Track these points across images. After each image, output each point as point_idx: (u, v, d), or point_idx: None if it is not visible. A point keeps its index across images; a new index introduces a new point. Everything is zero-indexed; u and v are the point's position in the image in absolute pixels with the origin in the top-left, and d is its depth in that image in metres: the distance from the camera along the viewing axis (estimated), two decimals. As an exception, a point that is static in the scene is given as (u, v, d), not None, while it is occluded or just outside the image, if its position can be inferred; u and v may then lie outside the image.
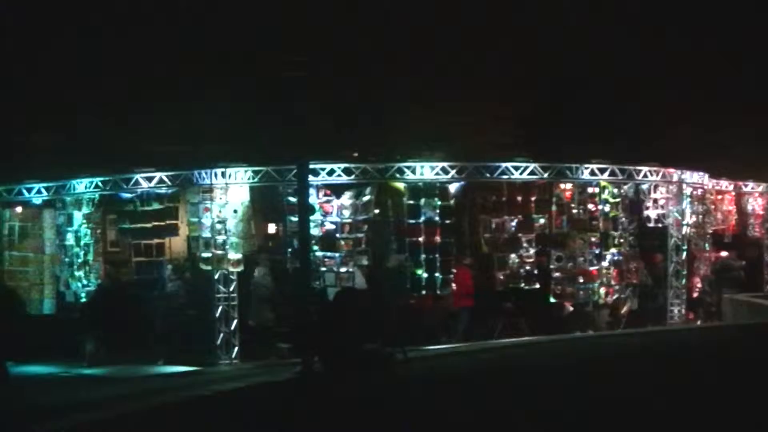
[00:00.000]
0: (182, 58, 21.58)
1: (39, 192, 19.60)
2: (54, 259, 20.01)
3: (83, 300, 19.16)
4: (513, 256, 19.12)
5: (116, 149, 21.72)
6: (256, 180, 18.06)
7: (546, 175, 18.78)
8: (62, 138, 22.74)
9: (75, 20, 22.41)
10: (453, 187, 18.52)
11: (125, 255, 19.77)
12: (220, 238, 18.01)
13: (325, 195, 18.14)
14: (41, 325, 19.44)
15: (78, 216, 19.27)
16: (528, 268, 19.16)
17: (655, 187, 19.86)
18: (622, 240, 19.75)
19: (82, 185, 19.13)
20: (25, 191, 19.68)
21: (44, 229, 20.18)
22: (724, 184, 22.75)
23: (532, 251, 19.22)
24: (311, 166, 17.08)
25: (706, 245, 21.57)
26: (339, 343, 16.20)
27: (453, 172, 18.27)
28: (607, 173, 19.20)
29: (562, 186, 19.34)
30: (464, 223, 19.98)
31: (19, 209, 20.29)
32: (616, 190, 19.60)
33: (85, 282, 19.19)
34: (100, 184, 18.93)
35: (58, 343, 18.91)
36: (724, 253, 22.94)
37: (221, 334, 18.14)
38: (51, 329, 19.23)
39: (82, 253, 19.24)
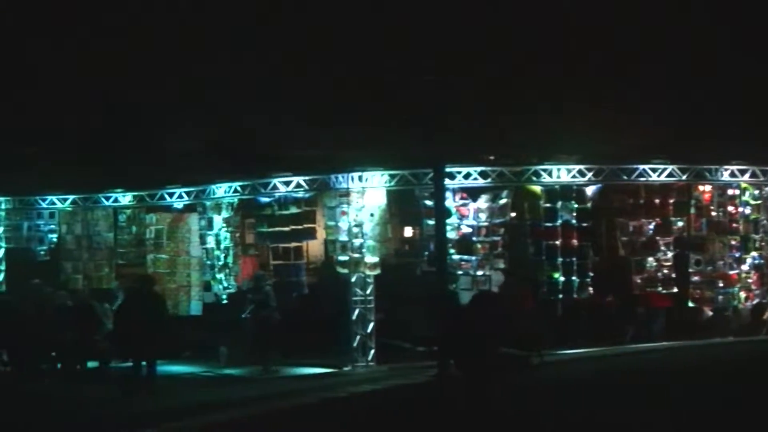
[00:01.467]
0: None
1: (180, 197, 21.46)
2: (199, 261, 21.75)
3: (224, 302, 20.88)
4: (650, 259, 19.86)
5: (255, 154, 23.37)
6: (392, 184, 19.25)
7: (684, 177, 19.38)
8: (203, 143, 24.58)
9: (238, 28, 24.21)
10: (590, 190, 19.33)
11: (264, 258, 21.39)
12: (357, 242, 19.21)
13: (462, 198, 19.16)
14: (187, 325, 21.34)
15: (218, 220, 20.98)
16: (665, 271, 19.87)
17: (800, 188, 20.19)
18: (763, 243, 20.16)
19: (221, 190, 20.79)
20: (167, 196, 21.61)
21: (191, 232, 21.89)
22: None
23: (669, 254, 19.91)
24: (447, 170, 18.07)
25: None
26: (475, 346, 17.29)
27: (590, 174, 19.03)
28: (747, 174, 19.67)
29: (701, 188, 19.89)
30: (601, 226, 20.70)
31: (162, 213, 22.18)
32: (757, 192, 20.04)
33: (225, 284, 20.89)
34: (239, 188, 20.52)
35: (202, 343, 20.67)
36: None
37: (357, 337, 19.31)
38: (196, 330, 21.02)
39: (222, 256, 20.95)
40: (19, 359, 19.84)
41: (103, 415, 15.77)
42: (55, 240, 23.04)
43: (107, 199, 22.36)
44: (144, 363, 17.71)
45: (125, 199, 22.27)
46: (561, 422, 12.89)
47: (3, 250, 23.05)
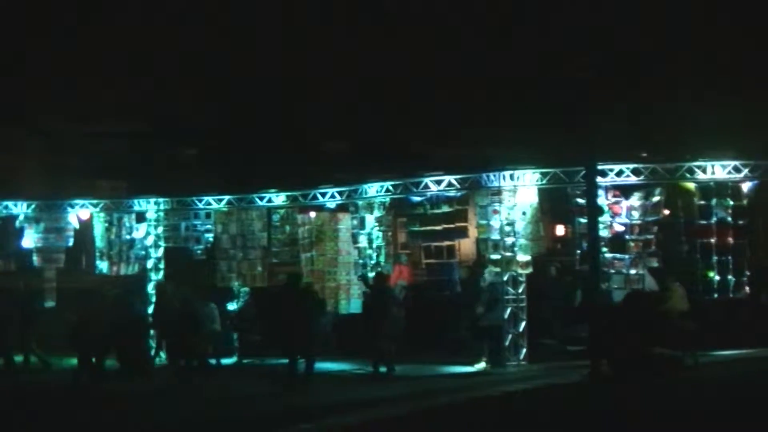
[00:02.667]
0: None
1: (333, 196, 22.86)
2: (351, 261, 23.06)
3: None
4: (811, 258, 20.14)
5: (406, 153, 24.67)
6: (544, 182, 20.14)
7: None
8: (355, 143, 26.07)
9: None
10: (746, 186, 19.64)
11: (416, 257, 22.66)
12: (509, 240, 20.21)
13: (614, 196, 19.86)
14: (347, 323, 22.86)
15: (370, 219, 22.39)
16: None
17: None
18: None
19: (373, 189, 22.10)
20: (319, 196, 23.07)
21: (343, 232, 23.20)
22: None
23: (834, 252, 20.12)
24: (599, 167, 18.86)
25: None
26: (628, 346, 17.96)
27: (746, 171, 19.38)
28: None
29: None
30: (758, 224, 20.87)
31: (313, 213, 23.69)
32: None
33: None
34: (390, 187, 21.78)
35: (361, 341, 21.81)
36: None
37: (509, 336, 20.31)
38: (355, 328, 22.36)
39: (374, 255, 22.34)
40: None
41: (261, 410, 17.18)
42: (211, 239, 24.80)
43: (261, 199, 23.94)
44: (301, 360, 19.34)
45: (279, 199, 23.82)
46: (713, 424, 13.26)
47: (162, 249, 25.00)
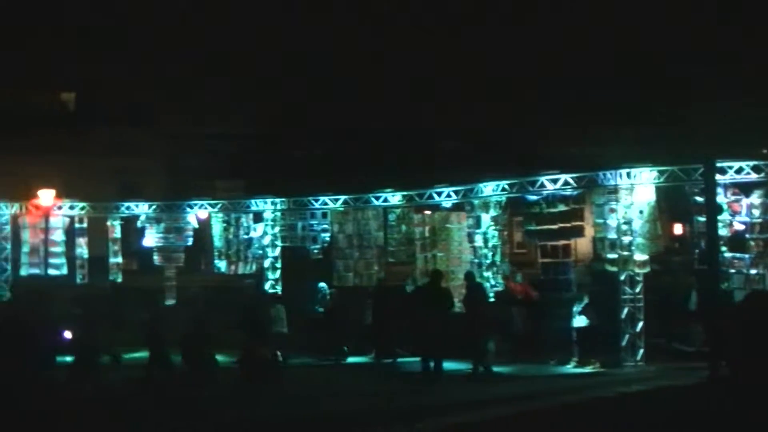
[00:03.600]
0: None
1: (448, 196, 23.73)
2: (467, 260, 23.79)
3: (492, 300, 22.93)
4: None
5: (522, 152, 25.34)
6: (661, 180, 20.49)
7: None
8: (470, 142, 26.88)
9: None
10: None
11: (531, 256, 23.33)
12: (626, 239, 20.63)
13: (734, 194, 19.93)
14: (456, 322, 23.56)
15: (485, 218, 23.09)
16: None
17: None
18: None
19: (489, 188, 22.87)
20: (435, 195, 23.96)
21: (459, 231, 24.04)
22: None
23: None
24: (718, 165, 19.03)
25: None
26: (750, 347, 18.13)
27: None
28: None
29: None
30: None
31: (429, 213, 24.63)
32: None
33: (492, 282, 22.89)
34: (506, 187, 22.53)
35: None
36: None
37: (626, 336, 20.72)
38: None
39: (490, 254, 23.04)
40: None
41: (374, 408, 17.80)
42: (327, 239, 26.02)
43: (377, 198, 25.02)
44: (432, 359, 20.31)
45: (394, 198, 24.85)
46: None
47: (279, 248, 26.27)
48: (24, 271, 26.65)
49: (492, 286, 22.96)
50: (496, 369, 21.35)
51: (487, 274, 23.02)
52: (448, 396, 18.85)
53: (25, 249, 26.68)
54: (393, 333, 23.72)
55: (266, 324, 22.72)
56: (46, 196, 26.95)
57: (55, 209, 26.74)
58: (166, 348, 21.16)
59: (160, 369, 20.97)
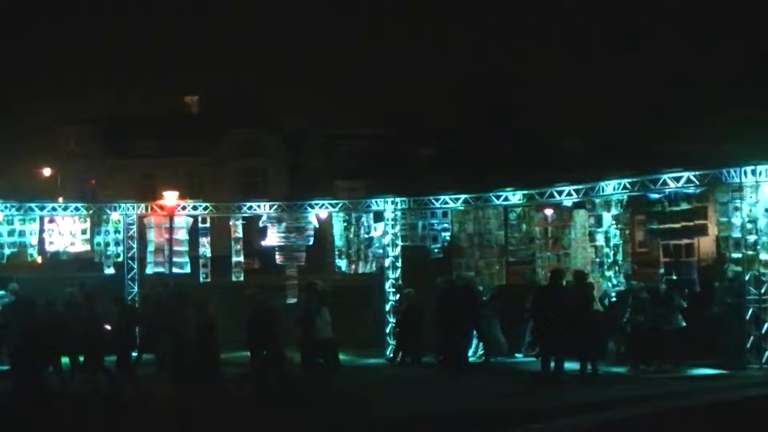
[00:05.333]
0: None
1: (569, 194, 24.35)
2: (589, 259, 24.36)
3: (614, 300, 23.50)
4: None
5: (645, 150, 25.79)
6: None
7: None
8: (592, 141, 27.50)
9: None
10: None
11: (653, 255, 23.78)
12: (751, 238, 20.93)
13: None
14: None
15: (607, 217, 23.63)
16: None
17: None
18: None
19: (610, 187, 23.40)
20: (556, 194, 24.62)
21: (580, 230, 24.64)
22: None
23: None
24: None
25: None
26: None
27: None
28: None
29: None
30: None
31: (550, 211, 25.30)
32: None
33: (614, 282, 23.41)
34: (628, 185, 23.01)
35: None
36: None
37: (751, 338, 20.96)
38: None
39: (611, 254, 23.55)
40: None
41: (493, 408, 18.73)
42: (448, 238, 26.88)
43: (497, 197, 25.80)
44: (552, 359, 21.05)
45: (515, 197, 25.60)
46: None
47: (399, 248, 27.28)
48: (149, 270, 28.04)
49: (614, 286, 23.39)
50: (614, 370, 22.03)
51: (609, 273, 23.47)
52: (569, 397, 19.44)
53: (151, 248, 28.01)
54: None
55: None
56: (170, 197, 28.42)
57: (179, 209, 28.01)
58: (281, 346, 22.50)
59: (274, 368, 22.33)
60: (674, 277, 22.43)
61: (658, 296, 22.62)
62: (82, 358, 22.10)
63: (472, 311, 24.15)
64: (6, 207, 26.97)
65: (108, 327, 22.29)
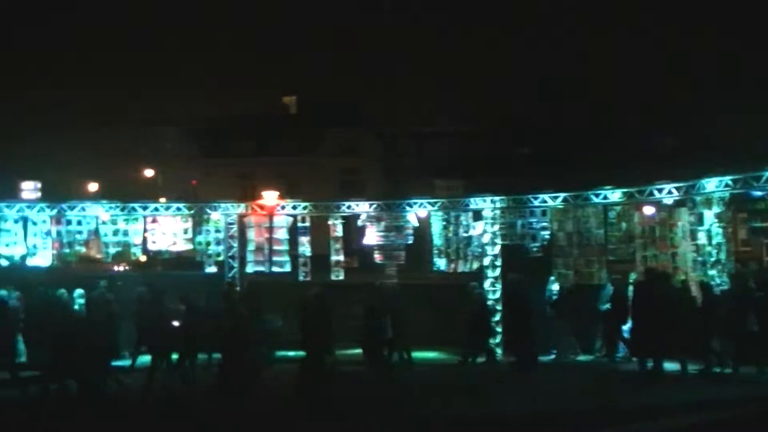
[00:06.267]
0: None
1: (670, 192, 24.39)
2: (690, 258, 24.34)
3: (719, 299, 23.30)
4: None
5: (747, 147, 25.61)
6: None
7: None
8: (691, 138, 27.39)
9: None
10: None
11: (756, 254, 23.67)
12: None
13: None
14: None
15: (708, 215, 23.61)
16: None
17: None
18: None
19: (711, 184, 23.36)
20: (656, 192, 24.65)
21: (681, 228, 24.74)
22: None
23: None
24: None
25: None
26: None
27: None
28: None
29: None
30: None
31: (650, 210, 25.30)
32: None
33: (717, 281, 23.31)
34: (730, 182, 22.95)
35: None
36: None
37: None
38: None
39: (714, 252, 23.48)
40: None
41: (590, 408, 19.03)
42: (547, 237, 27.08)
43: (597, 196, 25.94)
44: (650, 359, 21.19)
45: (614, 195, 25.70)
46: None
47: (498, 246, 27.50)
48: (250, 269, 28.67)
49: (717, 285, 23.28)
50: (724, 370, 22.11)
51: (712, 272, 23.41)
52: (670, 396, 19.62)
53: (251, 247, 28.61)
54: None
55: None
56: (270, 197, 29.01)
57: (278, 209, 28.58)
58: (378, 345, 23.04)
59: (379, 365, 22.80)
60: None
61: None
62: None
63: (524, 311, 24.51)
64: (111, 207, 27.78)
65: (176, 324, 23.22)
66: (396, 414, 18.98)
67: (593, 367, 24.76)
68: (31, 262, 27.55)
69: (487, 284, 27.24)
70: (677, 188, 24.30)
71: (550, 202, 26.77)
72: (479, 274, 27.49)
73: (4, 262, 27.61)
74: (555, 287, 26.49)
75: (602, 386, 21.45)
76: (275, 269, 28.54)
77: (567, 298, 25.98)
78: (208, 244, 28.75)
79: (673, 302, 22.02)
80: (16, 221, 27.47)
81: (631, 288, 24.52)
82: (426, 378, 24.15)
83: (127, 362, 24.64)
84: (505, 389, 22.08)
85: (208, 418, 19.06)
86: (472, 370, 24.91)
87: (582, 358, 25.79)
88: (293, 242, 28.83)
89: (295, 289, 26.26)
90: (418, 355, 25.80)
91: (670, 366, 22.34)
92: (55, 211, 27.53)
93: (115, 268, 31.24)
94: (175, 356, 22.69)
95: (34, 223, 27.57)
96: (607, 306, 25.03)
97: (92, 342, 21.50)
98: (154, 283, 25.06)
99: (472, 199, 27.91)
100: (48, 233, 27.65)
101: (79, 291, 26.21)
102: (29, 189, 52.08)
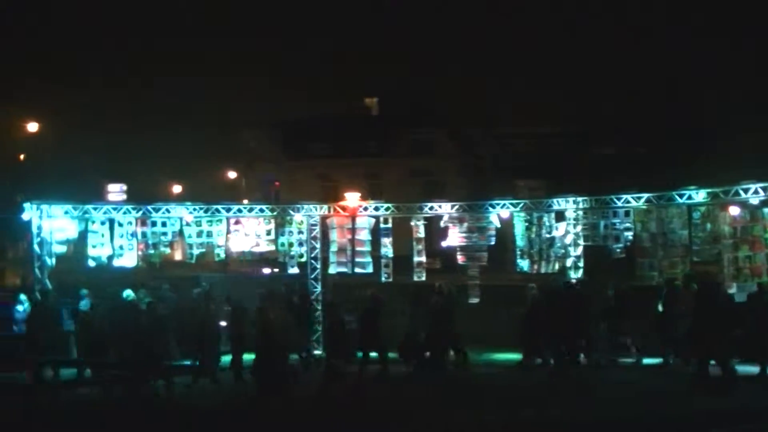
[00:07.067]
0: None
1: (756, 192, 24.20)
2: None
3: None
4: None
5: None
6: None
7: None
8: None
9: None
10: None
11: None
12: None
13: None
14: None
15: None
16: None
17: None
18: None
19: (799, 183, 23.16)
20: (741, 192, 24.46)
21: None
22: None
23: None
24: None
25: None
26: None
27: None
28: None
29: None
30: None
31: (736, 210, 25.14)
32: None
33: None
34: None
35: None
36: None
37: None
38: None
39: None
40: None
41: (670, 412, 18.86)
42: (630, 238, 26.96)
43: (681, 196, 25.79)
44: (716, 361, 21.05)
45: (699, 195, 25.55)
46: None
47: (581, 247, 27.49)
48: (332, 270, 29.05)
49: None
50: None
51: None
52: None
53: (333, 248, 28.94)
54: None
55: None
56: (352, 198, 29.34)
57: (361, 210, 28.89)
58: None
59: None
60: None
61: None
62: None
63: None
64: (195, 209, 28.29)
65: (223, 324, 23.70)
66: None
67: (652, 370, 24.52)
68: (117, 263, 28.13)
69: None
70: (764, 188, 24.08)
71: (634, 203, 26.64)
72: (562, 275, 27.42)
73: (92, 263, 28.21)
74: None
75: (682, 389, 21.27)
76: (358, 270, 28.82)
77: (625, 301, 25.75)
78: (290, 245, 29.09)
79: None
80: (102, 223, 28.07)
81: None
82: (480, 380, 24.24)
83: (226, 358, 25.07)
84: (578, 393, 22.02)
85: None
86: (537, 372, 24.84)
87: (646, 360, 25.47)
88: (376, 243, 29.06)
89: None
90: (501, 356, 25.85)
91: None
92: (140, 213, 28.07)
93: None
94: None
95: (120, 225, 28.13)
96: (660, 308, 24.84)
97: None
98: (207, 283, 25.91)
99: (554, 200, 27.90)
100: (134, 235, 28.24)
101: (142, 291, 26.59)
102: (115, 191, 53.32)
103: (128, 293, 25.84)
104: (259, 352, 22.43)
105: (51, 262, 27.50)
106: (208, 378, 23.22)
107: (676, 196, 25.92)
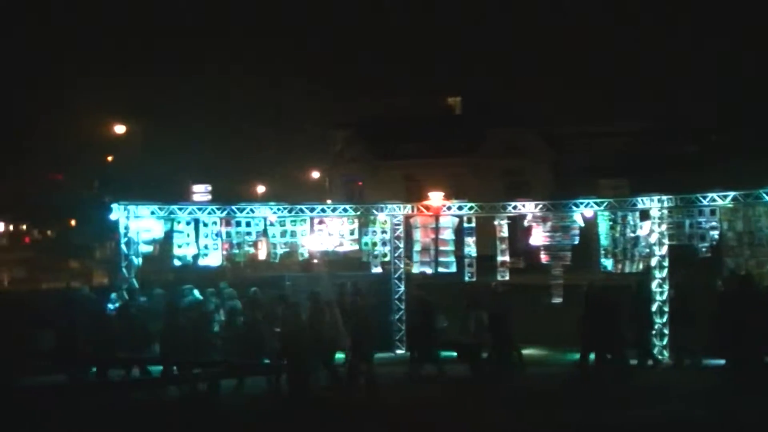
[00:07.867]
0: None
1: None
2: None
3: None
4: None
5: None
6: None
7: None
8: None
9: None
10: None
11: None
12: None
13: None
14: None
15: None
16: None
17: None
18: None
19: None
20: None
21: None
22: None
23: None
24: None
25: None
26: None
27: None
28: None
29: None
30: None
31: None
32: None
33: None
34: None
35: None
36: None
37: None
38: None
39: None
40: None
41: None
42: (716, 237, 26.82)
43: (768, 194, 25.55)
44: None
45: (787, 195, 25.33)
46: None
47: (666, 247, 27.38)
48: (416, 269, 29.30)
49: None
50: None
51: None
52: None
53: (417, 248, 29.14)
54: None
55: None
56: (436, 197, 29.52)
57: (444, 209, 29.06)
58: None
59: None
60: None
61: None
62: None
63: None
64: (279, 209, 28.70)
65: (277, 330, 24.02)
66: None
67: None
68: (202, 262, 28.62)
69: (654, 285, 27.04)
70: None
71: (719, 201, 26.49)
72: (647, 275, 27.34)
73: (178, 263, 28.73)
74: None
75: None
76: (441, 270, 29.00)
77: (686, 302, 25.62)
78: (374, 245, 29.34)
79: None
80: (188, 223, 28.53)
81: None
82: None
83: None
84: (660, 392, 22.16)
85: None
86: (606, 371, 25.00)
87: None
88: (459, 243, 29.21)
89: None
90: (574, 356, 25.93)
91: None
92: (224, 213, 28.53)
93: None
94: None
95: (205, 225, 28.61)
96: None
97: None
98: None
99: (639, 199, 27.80)
100: (218, 234, 28.66)
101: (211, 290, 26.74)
102: (200, 191, 54.23)
103: (195, 293, 26.18)
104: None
105: (138, 261, 28.04)
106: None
107: (764, 195, 25.68)
